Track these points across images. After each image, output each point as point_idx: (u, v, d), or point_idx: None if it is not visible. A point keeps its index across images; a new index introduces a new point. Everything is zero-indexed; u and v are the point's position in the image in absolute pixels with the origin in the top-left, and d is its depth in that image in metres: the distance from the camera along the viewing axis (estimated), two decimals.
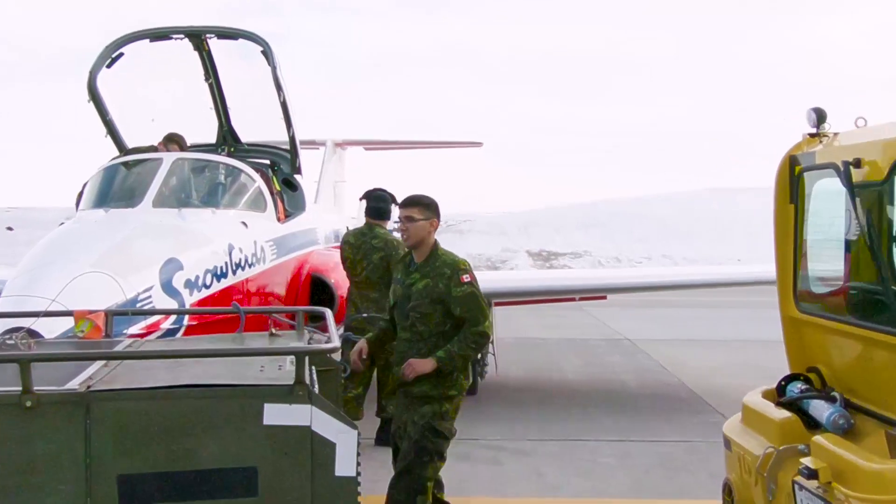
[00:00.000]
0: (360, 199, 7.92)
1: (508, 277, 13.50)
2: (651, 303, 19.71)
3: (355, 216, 12.81)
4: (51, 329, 4.53)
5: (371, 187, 7.99)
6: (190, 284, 6.25)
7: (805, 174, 4.28)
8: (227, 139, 9.10)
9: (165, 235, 6.59)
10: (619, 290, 12.42)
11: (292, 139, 8.48)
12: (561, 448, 7.73)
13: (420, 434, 4.76)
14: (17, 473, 2.65)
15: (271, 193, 8.08)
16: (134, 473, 2.70)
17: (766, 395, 4.49)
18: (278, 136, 8.92)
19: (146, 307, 5.77)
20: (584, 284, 11.51)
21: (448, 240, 31.78)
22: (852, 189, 3.61)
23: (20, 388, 2.66)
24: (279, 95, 8.02)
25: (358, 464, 2.85)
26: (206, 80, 8.53)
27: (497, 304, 10.75)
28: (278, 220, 8.12)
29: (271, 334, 3.74)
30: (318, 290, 8.57)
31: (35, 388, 2.66)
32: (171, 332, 5.97)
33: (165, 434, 2.72)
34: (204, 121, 8.95)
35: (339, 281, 8.77)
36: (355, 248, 7.65)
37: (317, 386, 2.98)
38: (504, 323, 11.95)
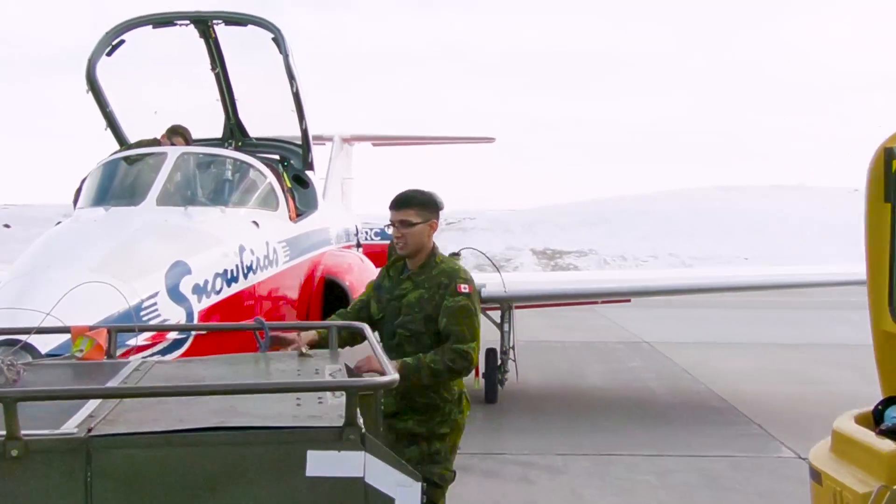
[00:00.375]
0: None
1: (535, 280, 12.95)
2: (660, 303, 19.15)
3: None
4: (46, 341, 4.01)
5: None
6: (198, 290, 5.71)
7: None
8: (235, 133, 8.56)
9: (171, 236, 6.06)
10: (664, 292, 11.74)
11: (305, 132, 7.94)
12: (594, 464, 7.20)
13: None
14: None
15: (283, 190, 7.54)
16: None
17: (860, 420, 3.93)
18: (288, 130, 8.39)
19: (151, 315, 5.24)
20: (632, 287, 10.89)
21: (451, 238, 31.37)
22: None
23: (4, 433, 2.13)
24: (292, 85, 7.48)
25: None
26: (213, 69, 7.97)
27: (518, 307, 10.24)
28: (290, 219, 7.57)
29: (301, 354, 3.21)
30: (332, 293, 8.04)
31: (23, 431, 2.13)
32: (177, 343, 5.46)
33: (184, 489, 2.18)
34: (210, 113, 8.41)
35: (355, 283, 8.22)
36: None
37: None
38: (516, 325, 11.43)
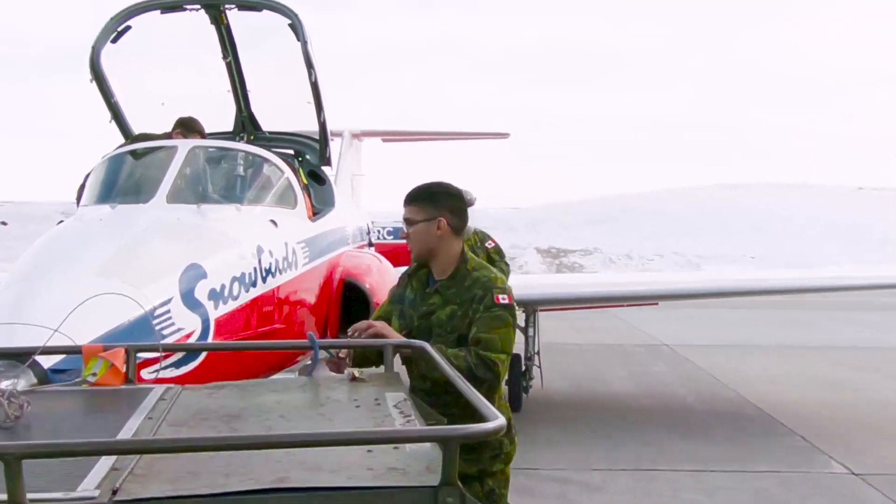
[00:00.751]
0: None
1: (563, 283, 12.44)
2: (670, 303, 18.64)
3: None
4: (51, 360, 3.53)
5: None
6: (215, 295, 5.20)
7: None
8: (247, 126, 8.05)
9: (184, 236, 5.55)
10: (699, 295, 11.16)
11: (322, 125, 7.42)
12: (634, 480, 6.72)
13: None
14: None
15: (300, 187, 7.04)
16: None
17: None
18: (303, 123, 7.90)
19: (164, 325, 4.73)
20: (668, 289, 10.37)
21: None
22: None
23: (4, 498, 1.64)
24: (310, 74, 6.95)
25: None
26: (224, 58, 7.45)
27: (542, 310, 9.77)
28: (308, 217, 7.08)
29: (353, 378, 2.72)
30: (350, 296, 7.56)
31: (29, 496, 1.64)
32: (190, 356, 4.96)
33: None
34: (220, 105, 7.91)
35: (375, 286, 7.74)
36: None
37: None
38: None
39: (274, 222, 6.25)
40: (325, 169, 8.11)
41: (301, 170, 7.51)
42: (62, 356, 3.58)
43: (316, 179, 7.87)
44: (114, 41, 7.02)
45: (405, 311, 3.58)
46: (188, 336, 4.91)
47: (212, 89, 7.86)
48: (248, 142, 7.70)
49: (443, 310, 3.46)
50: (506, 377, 3.71)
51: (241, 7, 7.15)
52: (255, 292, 5.61)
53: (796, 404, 9.50)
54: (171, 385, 2.67)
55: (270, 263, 5.87)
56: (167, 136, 6.90)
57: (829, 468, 7.11)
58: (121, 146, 6.84)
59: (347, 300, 7.38)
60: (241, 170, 6.56)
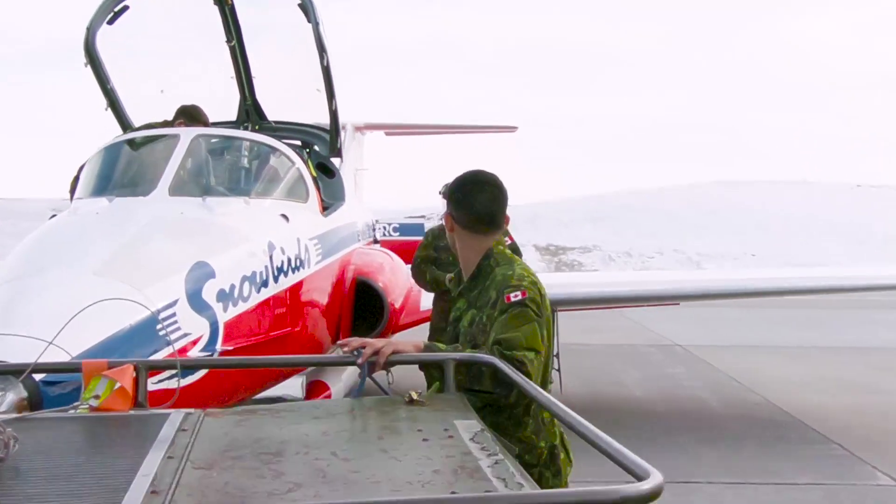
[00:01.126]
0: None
1: (582, 282, 11.92)
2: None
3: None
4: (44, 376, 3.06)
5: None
6: (224, 296, 4.73)
7: None
8: (251, 115, 7.58)
9: (189, 232, 5.08)
10: (726, 295, 10.64)
11: (334, 113, 6.94)
12: (673, 494, 6.19)
13: None
14: None
15: (311, 179, 6.57)
16: None
17: None
18: (311, 112, 7.44)
19: (170, 329, 4.26)
20: (699, 288, 9.86)
21: None
22: None
23: None
24: (322, 58, 6.48)
25: None
26: (228, 42, 6.97)
27: (561, 310, 9.31)
28: (319, 212, 6.61)
29: (410, 400, 2.25)
30: (362, 296, 7.10)
31: None
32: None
33: None
34: (223, 92, 7.43)
35: (388, 285, 7.30)
36: None
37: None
38: None
39: (285, 217, 5.78)
40: (342, 160, 7.64)
41: (310, 161, 7.04)
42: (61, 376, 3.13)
43: (325, 172, 7.39)
44: (110, 22, 6.53)
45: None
46: (196, 342, 4.45)
47: (214, 75, 7.40)
48: (254, 131, 7.23)
49: (466, 315, 2.99)
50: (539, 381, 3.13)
51: None
52: (266, 293, 5.14)
53: (826, 409, 9.06)
54: (191, 410, 2.19)
55: (283, 261, 5.41)
56: (168, 125, 6.43)
57: (876, 479, 6.67)
58: (118, 137, 6.37)
59: (359, 300, 6.94)
60: (248, 160, 6.11)
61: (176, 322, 4.32)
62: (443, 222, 3.57)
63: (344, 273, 6.83)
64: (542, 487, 2.90)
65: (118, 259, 4.45)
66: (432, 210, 14.87)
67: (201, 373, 4.52)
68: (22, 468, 1.74)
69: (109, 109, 6.84)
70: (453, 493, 1.57)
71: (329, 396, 5.98)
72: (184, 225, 5.11)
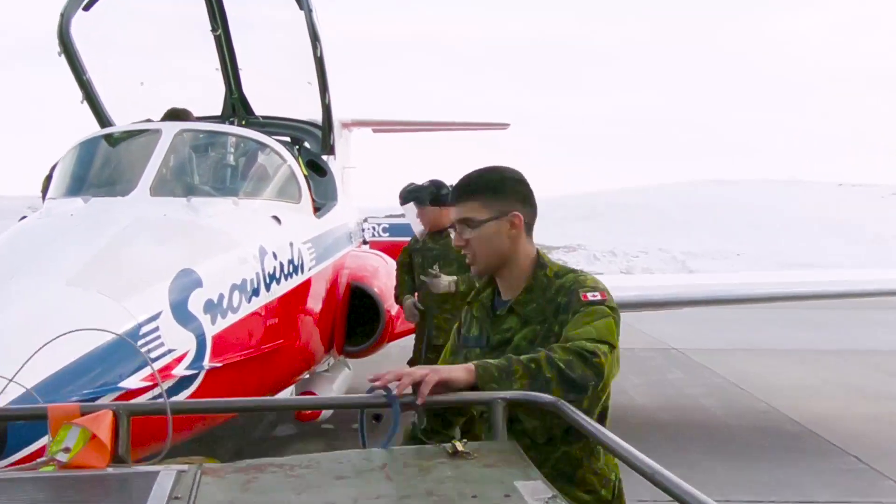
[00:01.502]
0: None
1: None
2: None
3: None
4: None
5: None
6: (211, 307, 4.31)
7: None
8: (237, 109, 7.14)
9: (173, 236, 4.66)
10: (759, 300, 10.36)
11: (327, 108, 6.54)
12: None
13: None
14: None
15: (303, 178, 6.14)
16: None
17: None
18: (302, 106, 7.03)
19: (152, 345, 3.84)
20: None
21: None
22: None
23: None
24: (315, 49, 6.06)
25: None
26: (213, 31, 6.55)
27: None
28: (311, 213, 6.19)
29: (455, 452, 1.84)
30: (356, 302, 6.69)
31: None
32: (185, 381, 4.08)
33: None
34: (208, 86, 7.00)
35: (383, 290, 6.88)
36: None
37: None
38: None
39: (277, 219, 5.36)
40: (335, 158, 7.24)
41: (300, 159, 6.61)
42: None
43: (316, 170, 6.97)
44: (86, 8, 6.08)
45: (471, 351, 2.61)
46: (180, 359, 4.02)
47: (198, 67, 6.96)
48: (241, 127, 6.79)
49: (521, 333, 2.52)
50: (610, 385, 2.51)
51: None
52: (257, 302, 4.72)
53: (837, 417, 8.72)
54: (184, 467, 1.76)
55: (275, 268, 4.98)
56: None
57: None
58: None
59: (360, 307, 6.53)
60: (236, 157, 5.68)
61: (159, 337, 3.90)
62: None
63: (338, 279, 6.41)
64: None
65: (94, 266, 4.02)
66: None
67: (189, 391, 4.12)
68: None
69: (85, 102, 6.38)
70: None
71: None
72: (167, 228, 4.69)
